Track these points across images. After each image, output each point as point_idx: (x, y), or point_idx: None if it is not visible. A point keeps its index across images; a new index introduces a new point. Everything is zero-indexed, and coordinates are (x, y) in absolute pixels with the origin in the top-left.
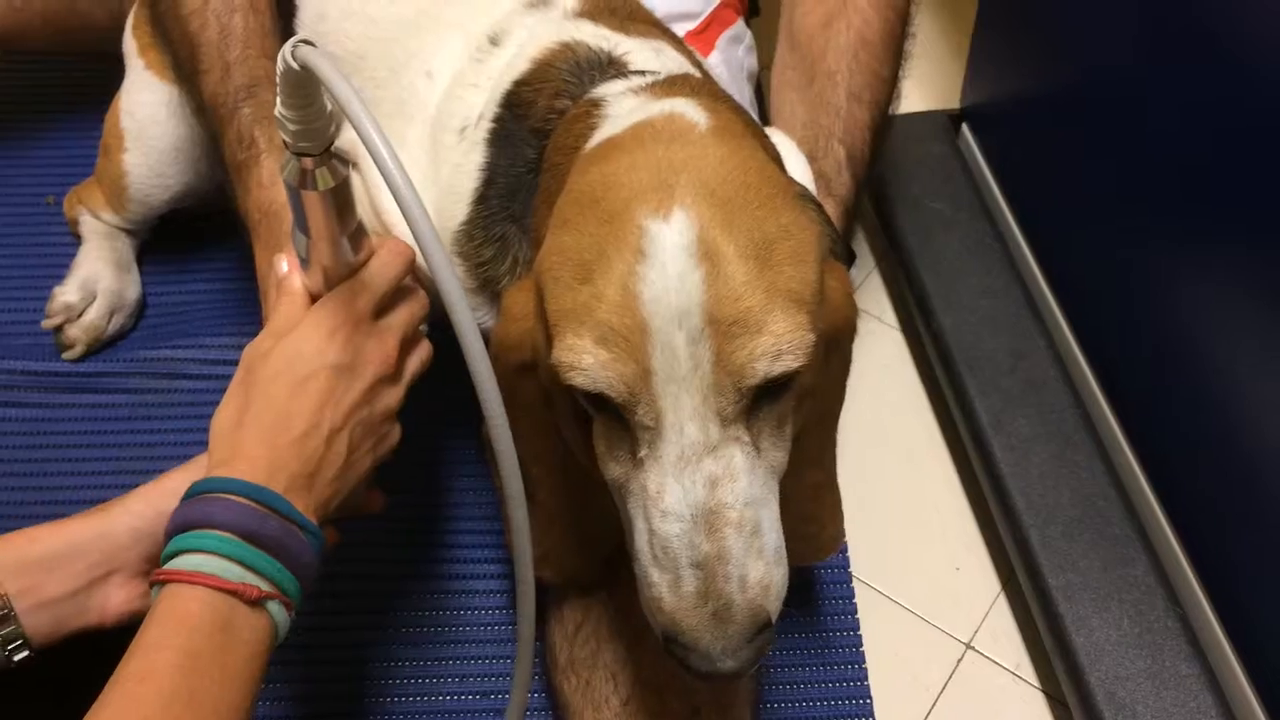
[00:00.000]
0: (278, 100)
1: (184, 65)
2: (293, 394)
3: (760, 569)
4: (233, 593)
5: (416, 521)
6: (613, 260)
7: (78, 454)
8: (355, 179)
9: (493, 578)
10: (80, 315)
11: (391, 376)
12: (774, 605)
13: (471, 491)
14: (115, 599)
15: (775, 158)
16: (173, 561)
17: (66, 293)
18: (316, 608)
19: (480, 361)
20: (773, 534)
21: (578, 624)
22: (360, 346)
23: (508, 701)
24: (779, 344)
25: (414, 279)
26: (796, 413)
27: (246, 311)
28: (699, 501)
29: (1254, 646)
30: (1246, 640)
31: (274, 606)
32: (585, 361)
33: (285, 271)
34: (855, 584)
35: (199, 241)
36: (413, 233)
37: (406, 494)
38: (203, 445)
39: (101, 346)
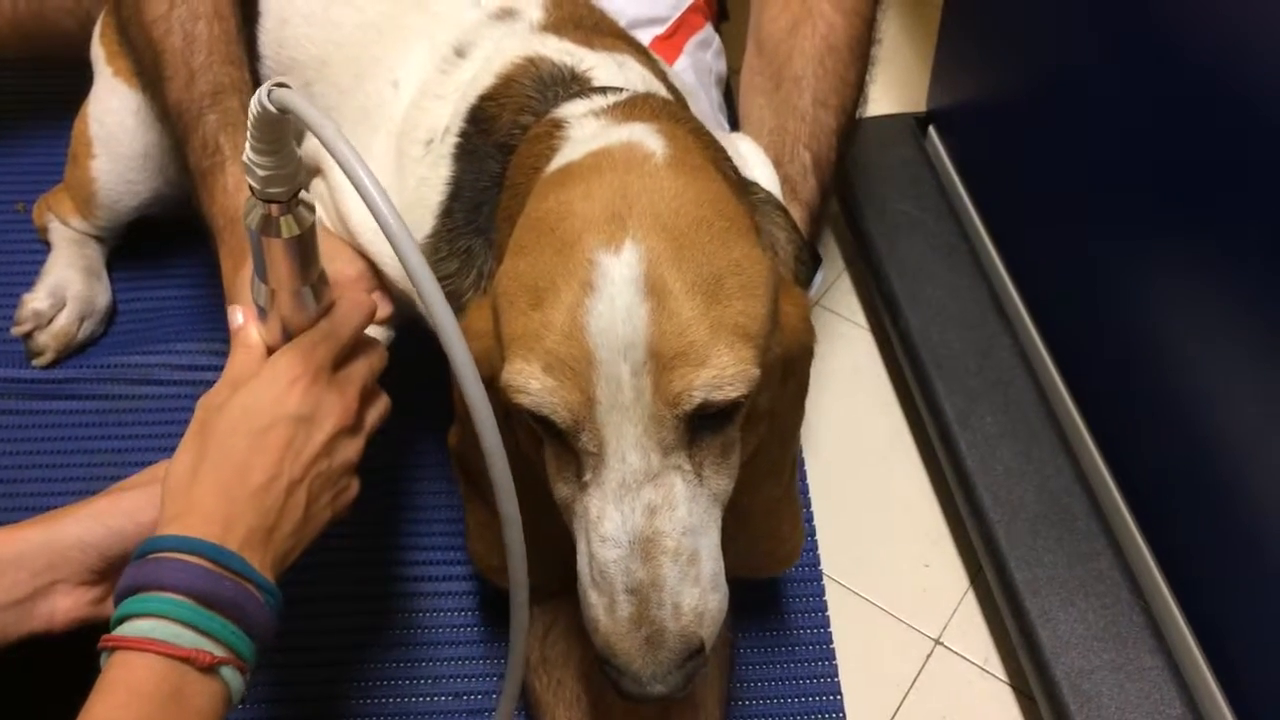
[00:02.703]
0: (247, 145)
1: (148, 72)
2: (251, 445)
3: (694, 596)
4: (184, 659)
5: (384, 526)
6: (562, 290)
7: (48, 460)
8: (319, 185)
9: (460, 579)
10: (50, 322)
11: (351, 428)
12: (708, 632)
13: (438, 495)
14: (61, 606)
15: (735, 181)
16: (121, 627)
17: (36, 299)
18: (287, 614)
19: (458, 344)
20: (710, 561)
21: (548, 624)
22: (320, 398)
23: (480, 702)
24: (720, 377)
25: (380, 285)
26: (747, 439)
27: (216, 317)
28: (637, 529)
29: (1216, 639)
30: (1209, 633)
31: (228, 672)
32: (531, 386)
33: (240, 323)
34: (825, 581)
35: (169, 247)
36: (390, 241)
37: (374, 500)
38: (172, 451)
39: (71, 353)
